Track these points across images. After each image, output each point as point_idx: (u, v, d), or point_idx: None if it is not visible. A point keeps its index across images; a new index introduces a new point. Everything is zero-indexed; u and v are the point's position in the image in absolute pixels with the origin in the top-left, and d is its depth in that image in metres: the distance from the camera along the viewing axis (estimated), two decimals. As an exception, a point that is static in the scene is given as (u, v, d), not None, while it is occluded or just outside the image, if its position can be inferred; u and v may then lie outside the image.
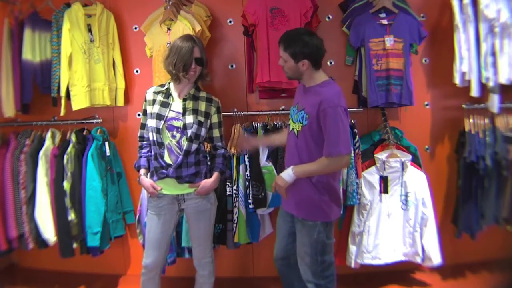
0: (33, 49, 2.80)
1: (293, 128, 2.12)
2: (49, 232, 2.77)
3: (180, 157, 2.16)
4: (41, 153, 2.79)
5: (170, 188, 2.22)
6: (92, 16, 2.82)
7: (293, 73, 2.08)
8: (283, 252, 2.27)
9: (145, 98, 2.29)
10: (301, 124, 2.04)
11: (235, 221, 2.70)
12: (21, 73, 2.82)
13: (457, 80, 2.73)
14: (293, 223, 2.18)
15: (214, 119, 2.29)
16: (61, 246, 2.76)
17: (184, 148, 2.17)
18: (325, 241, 2.08)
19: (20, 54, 2.80)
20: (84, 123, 2.97)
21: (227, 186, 2.72)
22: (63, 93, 2.76)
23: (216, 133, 2.30)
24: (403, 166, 2.65)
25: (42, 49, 2.84)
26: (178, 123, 2.19)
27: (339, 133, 1.92)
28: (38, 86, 2.86)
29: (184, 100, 2.22)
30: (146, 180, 2.22)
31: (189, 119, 2.19)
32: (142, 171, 2.27)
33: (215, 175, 2.26)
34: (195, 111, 2.21)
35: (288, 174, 2.04)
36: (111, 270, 3.14)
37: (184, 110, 2.20)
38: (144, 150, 2.30)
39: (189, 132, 2.17)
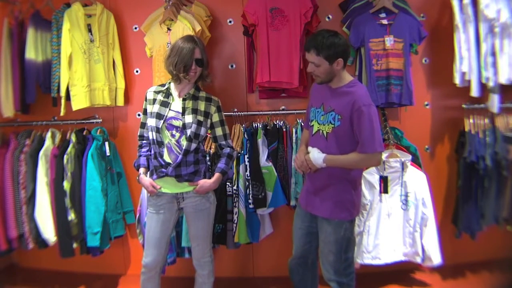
0: (36, 49, 2.80)
1: (319, 130, 2.09)
2: (49, 232, 2.77)
3: (180, 156, 2.17)
4: (41, 153, 2.79)
5: (169, 186, 2.23)
6: (92, 16, 2.82)
7: (326, 76, 2.03)
8: (300, 251, 2.27)
9: (146, 98, 2.29)
10: (332, 125, 2.02)
11: (235, 221, 2.70)
12: (22, 73, 2.82)
13: (457, 80, 2.73)
14: (312, 223, 2.19)
15: (215, 118, 2.29)
16: (61, 246, 2.76)
17: (184, 147, 2.17)
18: (350, 238, 2.12)
19: (19, 55, 2.80)
20: (84, 123, 2.97)
21: (227, 186, 2.71)
22: (63, 93, 2.76)
23: (218, 132, 2.30)
24: (403, 166, 2.65)
25: (44, 49, 2.84)
26: (178, 123, 2.20)
27: (374, 131, 1.95)
28: (40, 86, 2.86)
29: (184, 100, 2.22)
30: (146, 179, 2.23)
31: (188, 118, 2.19)
32: (142, 170, 2.27)
33: (216, 176, 2.26)
34: (195, 111, 2.21)
35: (320, 163, 2.02)
36: (111, 270, 3.14)
37: (184, 110, 2.20)
38: (144, 149, 2.31)
39: (189, 131, 2.17)
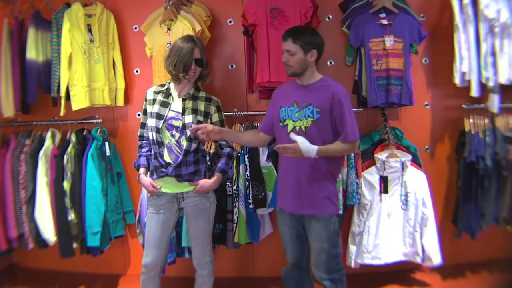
0: (37, 49, 2.80)
1: (294, 127, 2.10)
2: (49, 232, 2.77)
3: (180, 156, 2.17)
4: (41, 153, 2.79)
5: (169, 186, 2.23)
6: (92, 16, 2.82)
7: (300, 67, 2.08)
8: (296, 256, 2.25)
9: (146, 98, 2.29)
10: (311, 119, 2.06)
11: (235, 221, 2.70)
12: (22, 73, 2.82)
13: (457, 80, 2.73)
14: (299, 225, 2.17)
15: (215, 118, 2.29)
16: (61, 246, 2.76)
17: (184, 147, 2.17)
18: (339, 231, 2.15)
19: (19, 55, 2.80)
20: (84, 123, 2.97)
21: (227, 186, 2.71)
22: (63, 93, 2.76)
23: None
24: (403, 166, 2.65)
25: (44, 49, 2.84)
26: (178, 123, 2.20)
27: (353, 121, 2.05)
28: (41, 85, 2.86)
29: (184, 100, 2.22)
30: (146, 179, 2.23)
31: (188, 119, 2.19)
32: (142, 170, 2.27)
33: (216, 176, 2.26)
34: (194, 111, 2.21)
35: (313, 154, 2.00)
36: (111, 270, 3.14)
37: (183, 110, 2.21)
38: (144, 149, 2.31)
39: (189, 132, 2.17)
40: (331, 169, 2.12)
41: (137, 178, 2.28)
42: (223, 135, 2.21)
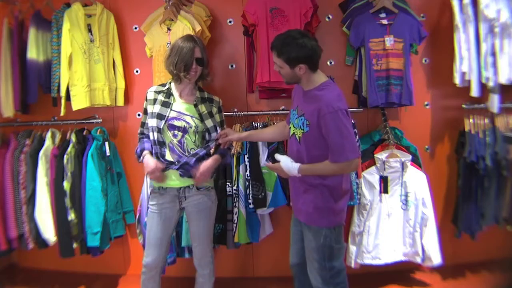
0: (37, 48, 2.80)
1: (294, 133, 2.05)
2: (49, 232, 2.77)
3: (203, 150, 2.21)
4: (41, 153, 2.79)
5: (173, 178, 2.21)
6: (92, 16, 2.82)
7: (291, 78, 1.98)
8: (298, 257, 2.22)
9: (146, 98, 2.29)
10: (302, 131, 1.97)
11: (235, 221, 2.70)
12: (22, 73, 2.82)
13: (457, 80, 2.74)
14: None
15: (216, 118, 2.30)
16: (61, 246, 2.76)
17: (207, 141, 2.24)
18: (333, 246, 2.01)
19: (19, 55, 2.80)
20: (84, 123, 2.97)
21: (227, 186, 2.72)
22: (63, 93, 2.76)
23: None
24: (403, 166, 2.65)
25: (45, 48, 2.84)
26: (179, 123, 2.20)
27: (343, 139, 1.86)
28: (41, 85, 2.87)
29: (195, 106, 2.23)
30: (151, 159, 2.15)
31: (209, 123, 2.24)
32: (147, 151, 2.20)
33: (215, 156, 2.23)
34: (210, 114, 2.25)
35: (295, 173, 1.97)
36: (111, 270, 3.14)
37: (201, 116, 2.22)
38: (146, 139, 2.26)
39: (214, 135, 2.23)
40: (326, 183, 1.98)
41: (140, 159, 2.20)
42: (249, 138, 2.35)
